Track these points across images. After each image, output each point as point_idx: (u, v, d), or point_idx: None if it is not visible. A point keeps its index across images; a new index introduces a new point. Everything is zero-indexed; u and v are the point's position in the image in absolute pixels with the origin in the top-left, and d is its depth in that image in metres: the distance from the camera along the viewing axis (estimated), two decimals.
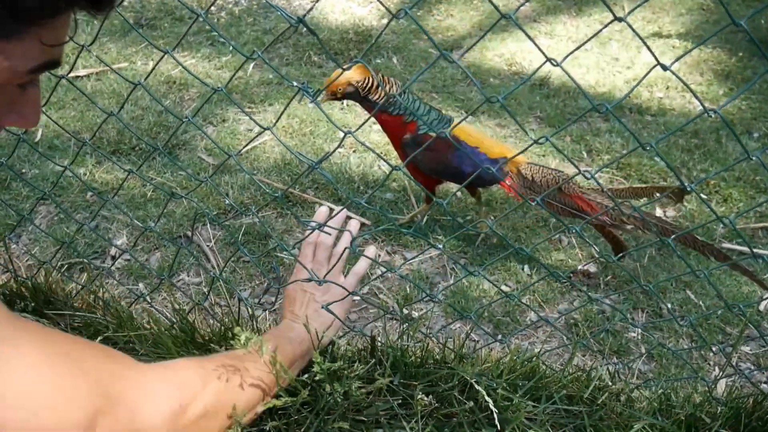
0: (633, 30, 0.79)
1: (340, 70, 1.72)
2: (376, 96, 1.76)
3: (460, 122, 1.09)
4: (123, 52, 2.89)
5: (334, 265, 1.28)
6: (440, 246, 1.07)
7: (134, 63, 2.83)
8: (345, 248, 1.34)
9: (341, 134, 2.47)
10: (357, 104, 2.06)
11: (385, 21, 3.29)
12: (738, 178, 2.31)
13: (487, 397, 1.13)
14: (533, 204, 1.07)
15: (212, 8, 3.29)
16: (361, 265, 1.35)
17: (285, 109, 1.07)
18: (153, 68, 1.24)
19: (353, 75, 1.75)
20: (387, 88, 1.76)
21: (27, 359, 0.74)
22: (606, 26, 0.85)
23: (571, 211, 1.79)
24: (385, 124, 1.86)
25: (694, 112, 2.73)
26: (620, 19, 0.83)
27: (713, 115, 0.84)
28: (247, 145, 1.29)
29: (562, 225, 1.08)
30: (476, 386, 1.15)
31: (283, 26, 3.15)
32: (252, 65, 2.87)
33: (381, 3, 0.80)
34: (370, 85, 1.75)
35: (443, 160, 1.82)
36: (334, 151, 1.12)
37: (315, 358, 1.13)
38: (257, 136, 1.21)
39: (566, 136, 2.54)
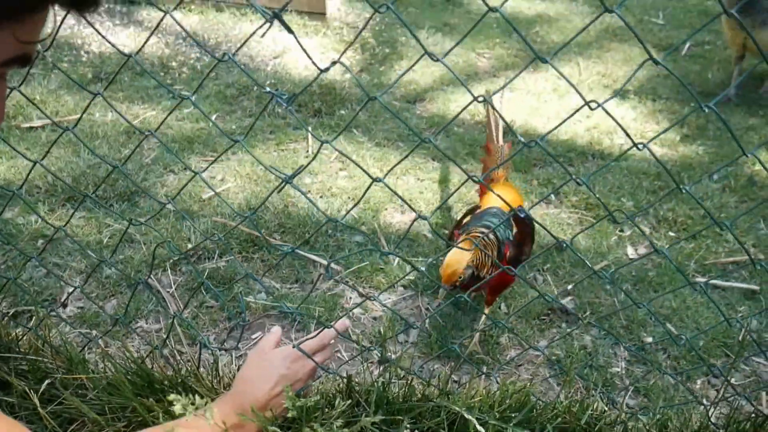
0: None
1: (453, 259, 1.51)
2: (486, 269, 1.55)
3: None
4: (81, 104, 2.81)
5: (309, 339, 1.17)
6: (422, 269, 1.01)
7: (93, 114, 2.75)
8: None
9: (307, 180, 2.42)
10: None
11: (348, 76, 3.32)
12: (704, 215, 2.33)
13: (479, 428, 1.04)
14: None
15: (173, 63, 3.26)
16: (327, 334, 1.22)
17: (257, 118, 1.02)
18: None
19: (464, 257, 1.52)
20: (488, 252, 1.57)
21: None
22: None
23: None
24: (496, 281, 1.66)
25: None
26: (656, 61, 0.84)
27: (642, 148, 0.88)
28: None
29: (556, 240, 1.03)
30: (467, 416, 1.06)
31: (246, 80, 3.13)
32: (215, 116, 2.83)
33: (342, 63, 0.78)
34: (482, 259, 1.55)
35: (528, 231, 1.77)
36: (309, 163, 1.06)
37: (287, 393, 1.03)
38: (227, 149, 1.15)
39: (533, 180, 2.54)
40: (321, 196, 2.33)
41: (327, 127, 2.82)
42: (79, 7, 0.62)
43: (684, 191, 0.93)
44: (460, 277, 1.52)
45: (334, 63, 0.95)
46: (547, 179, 2.54)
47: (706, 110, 0.84)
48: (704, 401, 1.52)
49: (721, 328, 1.81)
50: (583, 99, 0.86)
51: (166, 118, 1.16)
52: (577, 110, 0.92)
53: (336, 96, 3.06)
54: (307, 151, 2.58)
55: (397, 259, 2.02)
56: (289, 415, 1.02)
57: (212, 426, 0.97)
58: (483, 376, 1.45)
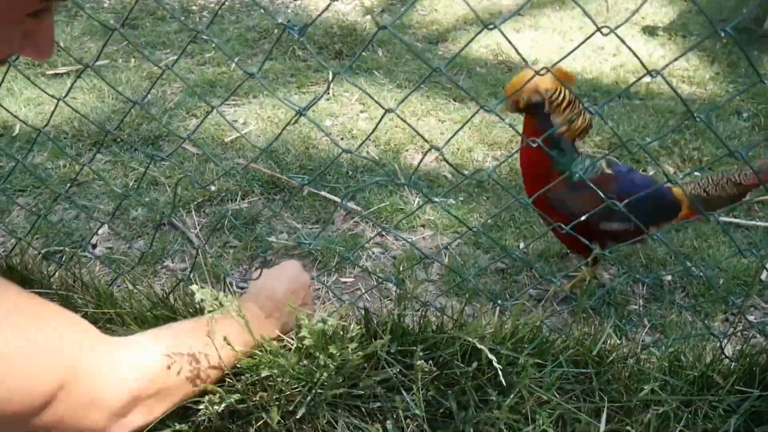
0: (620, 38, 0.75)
1: (528, 72, 1.34)
2: (561, 117, 1.39)
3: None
4: (104, 51, 2.83)
5: None
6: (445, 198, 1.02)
7: (115, 60, 2.77)
8: None
9: (327, 122, 2.43)
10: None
11: (368, 17, 3.27)
12: (730, 154, 2.28)
13: (490, 355, 1.07)
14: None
15: (194, 7, 3.25)
16: None
17: (268, 55, 1.02)
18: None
19: (545, 82, 1.37)
20: (575, 115, 1.40)
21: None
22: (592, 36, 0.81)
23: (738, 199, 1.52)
24: (530, 160, 1.49)
25: (683, 95, 2.72)
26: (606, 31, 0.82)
27: (655, 75, 0.87)
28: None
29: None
30: (479, 346, 1.09)
31: (266, 23, 3.11)
32: (236, 59, 2.82)
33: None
34: (562, 99, 1.38)
35: (609, 194, 1.12)
36: (323, 94, 1.06)
37: (301, 320, 1.06)
38: (242, 82, 1.16)
39: None
40: (342, 138, 2.33)
41: (348, 69, 2.80)
42: None
43: (698, 119, 0.91)
44: (525, 96, 1.37)
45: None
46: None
47: (723, 36, 0.82)
48: (718, 335, 1.52)
49: (742, 267, 1.80)
50: (595, 24, 0.85)
51: (179, 57, 1.17)
52: (588, 37, 0.91)
53: (357, 37, 3.02)
54: (329, 94, 2.57)
55: (417, 198, 2.03)
56: (305, 342, 1.06)
57: (237, 318, 1.02)
58: (497, 310, 1.47)
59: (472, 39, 0.94)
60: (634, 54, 0.83)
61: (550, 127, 1.37)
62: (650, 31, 3.15)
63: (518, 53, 0.84)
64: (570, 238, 1.41)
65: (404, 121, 1.00)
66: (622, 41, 0.86)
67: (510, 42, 0.80)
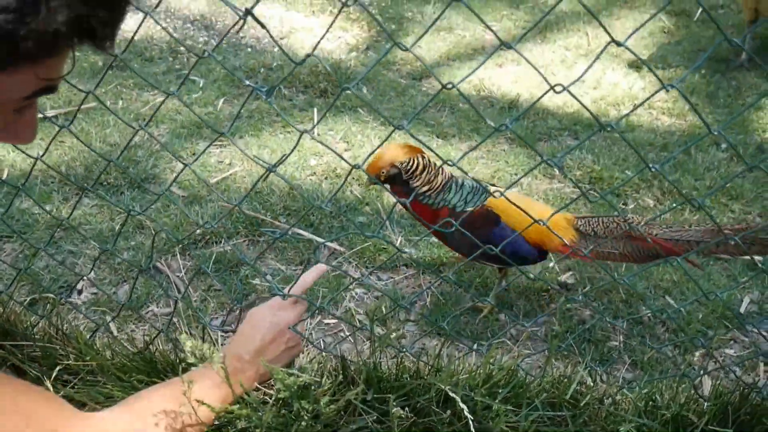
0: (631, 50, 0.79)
1: (384, 150, 1.55)
2: (418, 182, 1.57)
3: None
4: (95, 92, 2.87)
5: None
6: (409, 251, 1.04)
7: (104, 101, 2.80)
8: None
9: (312, 162, 2.46)
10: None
11: (354, 54, 3.33)
12: (709, 186, 2.33)
13: (461, 404, 1.08)
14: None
15: (182, 48, 3.30)
16: (310, 274, 1.29)
17: (240, 109, 1.05)
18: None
19: (397, 154, 1.56)
20: (433, 175, 1.57)
21: None
22: (601, 51, 0.85)
23: (647, 255, 1.58)
24: (416, 210, 1.63)
25: (662, 128, 2.77)
26: (618, 43, 0.86)
27: (670, 89, 0.86)
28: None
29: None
30: (451, 394, 1.10)
31: (253, 62, 3.16)
32: (222, 100, 2.87)
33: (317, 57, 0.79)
34: (415, 167, 1.56)
35: (484, 238, 1.38)
36: (291, 152, 1.09)
37: (276, 375, 1.08)
38: (213, 141, 1.19)
39: (536, 157, 2.54)
40: (326, 178, 2.36)
41: (333, 107, 2.84)
42: (98, 45, 0.66)
43: (654, 170, 0.94)
44: (384, 171, 1.56)
45: (308, 56, 0.97)
46: (552, 153, 2.54)
47: (669, 89, 0.86)
48: (691, 373, 1.54)
49: (721, 299, 1.82)
50: (549, 83, 0.88)
51: (160, 106, 1.20)
52: (544, 94, 0.94)
53: (342, 75, 3.08)
54: (314, 132, 2.61)
55: (399, 238, 2.05)
56: (281, 395, 1.07)
57: (218, 370, 1.05)
58: (474, 353, 1.49)
59: (464, 78, 0.97)
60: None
61: (412, 191, 1.56)
62: (630, 64, 3.22)
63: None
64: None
65: (339, 160, 1.03)
66: (578, 100, 0.90)
67: (470, 103, 0.83)
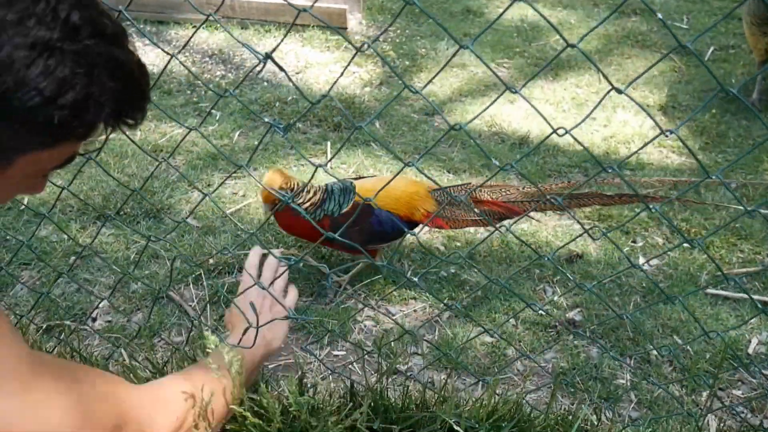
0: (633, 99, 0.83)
1: (268, 179, 1.73)
2: (301, 200, 1.76)
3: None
4: None
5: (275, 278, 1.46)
6: (415, 279, 1.07)
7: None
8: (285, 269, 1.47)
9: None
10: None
11: (368, 89, 3.40)
12: (718, 224, 2.34)
13: None
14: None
15: (198, 81, 3.39)
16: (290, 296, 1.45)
17: (259, 144, 1.09)
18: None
19: (280, 178, 1.74)
20: (312, 193, 1.78)
21: (54, 397, 0.86)
22: (605, 96, 0.89)
23: (493, 218, 1.86)
24: (298, 229, 1.86)
25: (672, 166, 2.79)
26: (619, 91, 0.91)
27: (669, 135, 0.89)
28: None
29: (537, 255, 1.09)
30: (456, 427, 1.12)
31: (269, 96, 3.24)
32: (238, 133, 2.94)
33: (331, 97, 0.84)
34: (294, 188, 1.74)
35: (367, 228, 1.81)
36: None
37: (289, 387, 1.13)
38: (230, 174, 1.23)
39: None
40: None
41: (347, 141, 2.90)
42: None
43: (653, 210, 0.97)
44: (281, 193, 1.68)
45: (323, 96, 1.02)
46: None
47: (669, 135, 0.89)
48: (697, 413, 1.54)
49: (730, 339, 1.83)
50: (552, 127, 0.92)
51: (181, 142, 1.24)
52: (548, 137, 0.97)
53: (356, 110, 3.14)
54: (327, 166, 2.66)
55: (409, 271, 2.08)
56: (292, 410, 1.10)
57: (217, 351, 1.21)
58: (480, 386, 1.50)
59: (476, 116, 1.00)
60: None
61: (299, 211, 1.72)
62: (641, 102, 3.25)
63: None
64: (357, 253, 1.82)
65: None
66: (579, 142, 0.93)
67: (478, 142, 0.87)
